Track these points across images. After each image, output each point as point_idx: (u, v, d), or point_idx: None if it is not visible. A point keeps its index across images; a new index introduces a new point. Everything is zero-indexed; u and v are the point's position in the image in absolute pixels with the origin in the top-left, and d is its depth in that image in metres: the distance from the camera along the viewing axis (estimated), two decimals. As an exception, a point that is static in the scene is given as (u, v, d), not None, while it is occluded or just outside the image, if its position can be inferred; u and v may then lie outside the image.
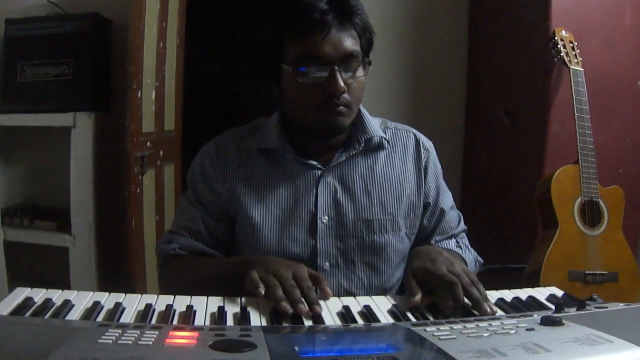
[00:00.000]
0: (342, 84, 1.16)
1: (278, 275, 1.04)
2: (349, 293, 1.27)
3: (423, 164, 1.37)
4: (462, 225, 1.45)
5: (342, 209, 1.28)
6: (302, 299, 0.99)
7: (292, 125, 1.31)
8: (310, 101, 1.19)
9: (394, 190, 1.32)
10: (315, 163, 1.29)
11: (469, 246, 1.43)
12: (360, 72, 1.21)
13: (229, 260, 1.29)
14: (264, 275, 1.04)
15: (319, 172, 1.29)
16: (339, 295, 1.10)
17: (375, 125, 1.34)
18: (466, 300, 1.04)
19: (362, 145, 1.30)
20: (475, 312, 1.01)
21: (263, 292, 1.01)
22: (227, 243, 1.35)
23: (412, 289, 1.08)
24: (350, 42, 1.18)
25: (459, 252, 1.37)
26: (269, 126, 1.33)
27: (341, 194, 1.29)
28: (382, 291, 1.29)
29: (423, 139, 1.41)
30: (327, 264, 1.27)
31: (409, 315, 1.00)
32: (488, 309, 1.01)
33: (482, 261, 1.43)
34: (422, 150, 1.38)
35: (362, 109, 1.33)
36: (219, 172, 1.31)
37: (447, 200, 1.41)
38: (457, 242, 1.40)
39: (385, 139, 1.35)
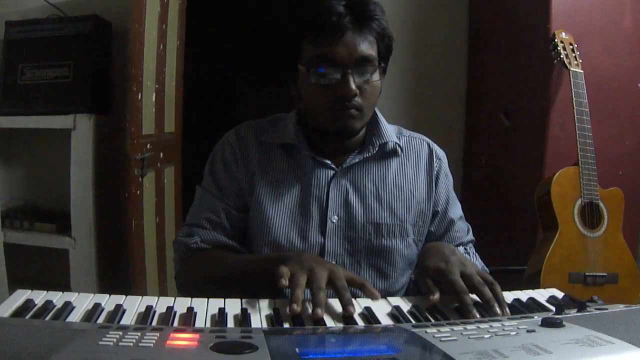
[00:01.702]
0: (353, 87, 1.17)
1: (313, 273, 1.03)
2: (353, 294, 1.26)
3: (435, 172, 1.38)
4: (471, 236, 1.45)
5: (352, 211, 1.29)
6: (324, 304, 0.97)
7: (308, 124, 1.32)
8: (323, 102, 1.20)
9: (404, 197, 1.33)
10: (329, 162, 1.30)
11: (477, 256, 1.43)
12: (375, 76, 1.22)
13: (261, 257, 1.27)
14: (297, 271, 1.03)
15: (332, 172, 1.30)
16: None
17: (390, 131, 1.35)
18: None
19: (377, 149, 1.31)
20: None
21: (286, 284, 1.00)
22: (246, 234, 1.34)
23: (430, 287, 1.08)
24: (365, 47, 1.18)
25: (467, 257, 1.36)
26: (287, 122, 1.34)
27: (352, 196, 1.30)
28: (387, 295, 1.28)
29: (436, 148, 1.42)
30: (333, 263, 1.26)
31: (410, 317, 1.00)
32: (498, 310, 1.01)
33: (487, 271, 1.42)
34: (434, 160, 1.39)
35: (379, 114, 1.34)
36: (240, 160, 1.32)
37: (457, 210, 1.42)
38: (465, 250, 1.40)
39: (399, 145, 1.36)
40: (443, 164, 1.41)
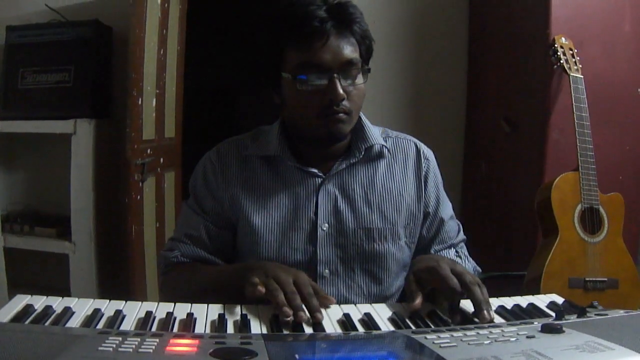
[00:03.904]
0: (341, 91, 1.16)
1: (279, 280, 1.03)
2: (348, 301, 1.26)
3: (423, 173, 1.37)
4: (462, 235, 1.44)
5: (342, 217, 1.28)
6: (303, 306, 0.98)
7: (293, 133, 1.31)
8: (310, 108, 1.20)
9: (393, 199, 1.32)
10: (315, 171, 1.29)
11: (468, 256, 1.43)
12: (359, 79, 1.21)
13: (229, 268, 1.28)
14: (265, 280, 1.04)
15: (320, 179, 1.29)
16: (338, 303, 1.10)
17: (376, 133, 1.34)
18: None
19: (363, 153, 1.31)
20: (475, 319, 1.01)
21: (263, 290, 1.01)
22: (229, 250, 1.35)
23: (412, 292, 1.08)
24: (349, 50, 1.18)
25: (459, 261, 1.36)
26: (270, 134, 1.33)
27: (341, 202, 1.29)
28: (382, 300, 1.29)
29: (424, 148, 1.41)
30: (326, 271, 1.26)
31: (410, 322, 1.00)
32: (486, 313, 1.00)
33: (480, 271, 1.43)
34: (422, 160, 1.38)
35: (363, 118, 1.33)
36: (220, 179, 1.32)
37: (447, 210, 1.41)
38: (456, 251, 1.40)
39: (385, 147, 1.35)
40: (431, 163, 1.40)
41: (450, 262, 1.11)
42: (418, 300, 1.06)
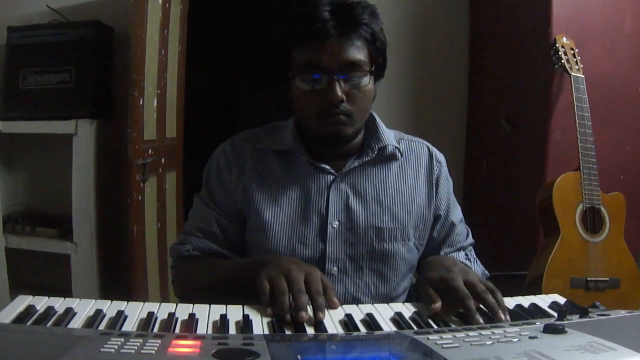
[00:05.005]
0: (339, 93, 1.17)
1: (289, 276, 1.03)
2: (355, 299, 1.27)
3: (435, 176, 1.38)
4: (471, 239, 1.45)
5: (353, 215, 1.28)
6: (306, 307, 0.98)
7: (304, 130, 1.32)
8: (311, 108, 1.21)
9: (405, 201, 1.32)
10: (328, 167, 1.30)
11: (477, 259, 1.43)
12: (364, 81, 1.21)
13: (243, 262, 1.29)
14: (275, 276, 1.03)
15: (332, 177, 1.30)
16: (344, 302, 1.09)
17: (389, 135, 1.35)
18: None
19: (376, 153, 1.31)
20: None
21: (267, 298, 1.00)
22: (241, 243, 1.35)
23: (431, 296, 1.08)
24: (352, 52, 1.18)
25: (468, 264, 1.37)
26: (284, 129, 1.34)
27: (353, 200, 1.29)
28: (389, 299, 1.29)
29: (436, 152, 1.42)
30: (335, 268, 1.27)
31: (412, 323, 1.00)
32: (502, 317, 1.01)
33: (488, 274, 1.43)
34: (434, 163, 1.39)
35: (377, 119, 1.35)
36: (234, 171, 1.32)
37: (457, 213, 1.42)
38: (466, 254, 1.41)
39: (398, 149, 1.35)
40: (443, 167, 1.41)
41: (462, 272, 1.11)
42: (439, 303, 1.05)
